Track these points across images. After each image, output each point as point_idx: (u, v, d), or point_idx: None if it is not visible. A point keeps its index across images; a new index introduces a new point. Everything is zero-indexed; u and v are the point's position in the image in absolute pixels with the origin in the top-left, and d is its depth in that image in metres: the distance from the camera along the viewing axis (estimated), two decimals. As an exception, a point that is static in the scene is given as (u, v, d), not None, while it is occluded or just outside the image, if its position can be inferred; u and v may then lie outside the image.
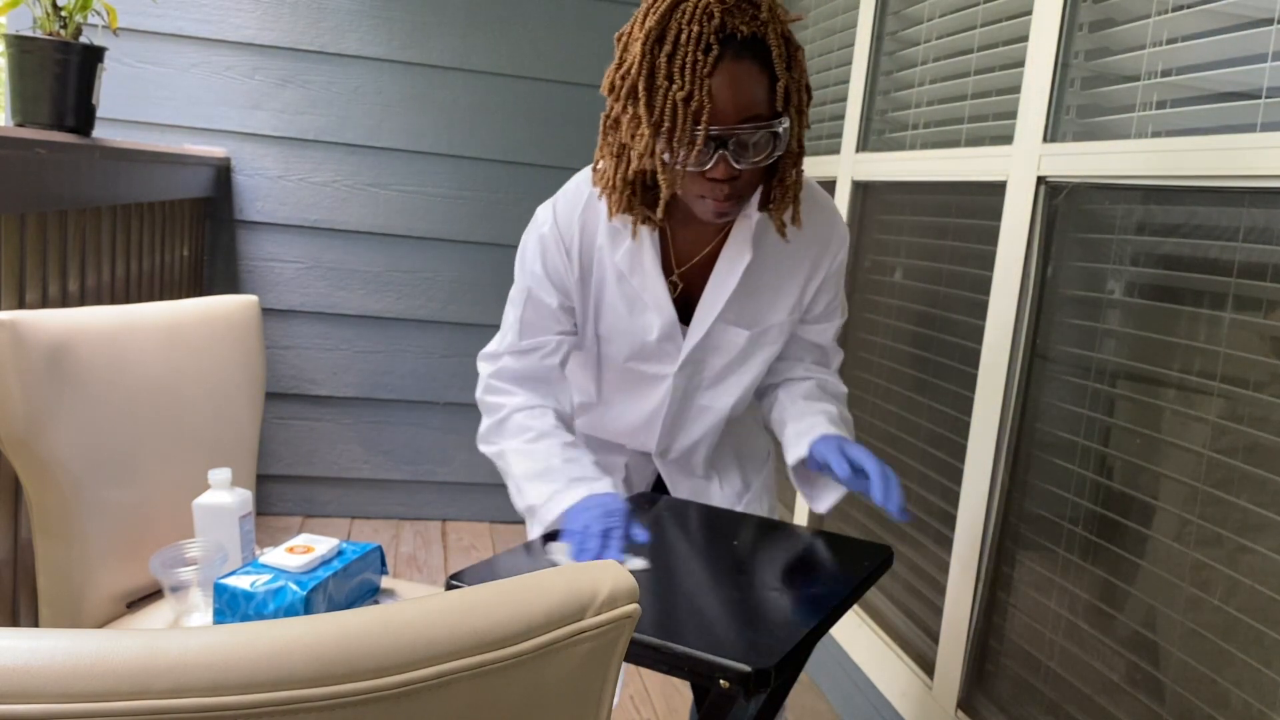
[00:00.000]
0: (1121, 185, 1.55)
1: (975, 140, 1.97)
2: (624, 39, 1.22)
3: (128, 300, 2.19)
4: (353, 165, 3.08)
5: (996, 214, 1.81)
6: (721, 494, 1.56)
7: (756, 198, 1.31)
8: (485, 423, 1.40)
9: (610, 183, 1.27)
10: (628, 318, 1.38)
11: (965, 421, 1.87)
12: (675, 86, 1.13)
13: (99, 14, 1.87)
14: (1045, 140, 1.68)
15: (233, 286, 3.05)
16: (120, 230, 2.13)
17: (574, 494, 1.24)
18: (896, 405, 2.22)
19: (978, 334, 1.86)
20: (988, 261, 1.83)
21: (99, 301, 1.97)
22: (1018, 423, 1.76)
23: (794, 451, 1.35)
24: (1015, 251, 1.74)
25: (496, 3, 3.08)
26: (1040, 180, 1.69)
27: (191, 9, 2.91)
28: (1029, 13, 1.75)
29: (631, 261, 1.34)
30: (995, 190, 1.82)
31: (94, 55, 1.84)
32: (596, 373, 1.48)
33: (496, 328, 1.45)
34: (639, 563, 1.14)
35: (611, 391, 1.48)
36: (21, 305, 1.59)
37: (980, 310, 1.85)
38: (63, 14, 1.79)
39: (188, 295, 2.76)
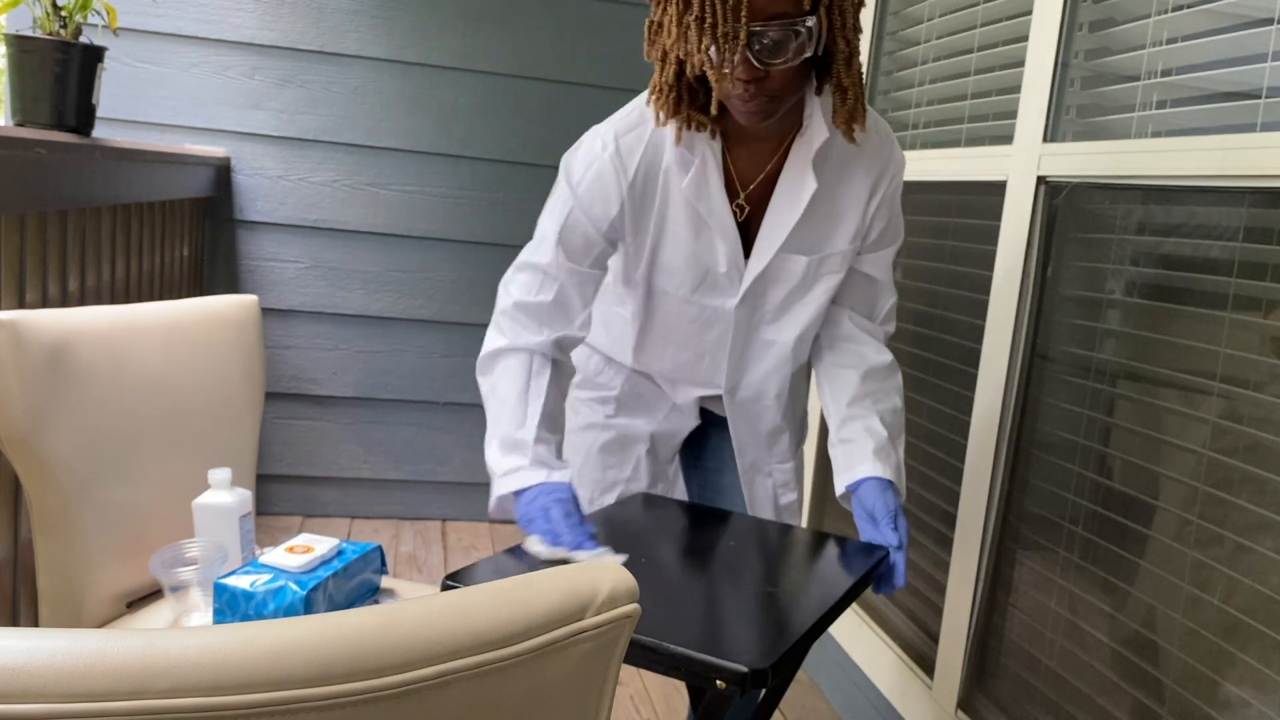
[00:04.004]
0: (1121, 185, 1.55)
1: (975, 140, 1.97)
2: None
3: (128, 300, 2.19)
4: (353, 165, 3.08)
5: (996, 214, 1.81)
6: (774, 452, 1.55)
7: (817, 117, 1.30)
8: (485, 348, 1.40)
9: (657, 87, 1.28)
10: (693, 244, 1.36)
11: (965, 421, 1.87)
12: None
13: (99, 14, 1.87)
14: (1045, 140, 1.68)
15: (233, 286, 3.05)
16: (120, 230, 2.13)
17: (534, 476, 1.26)
18: (896, 405, 2.23)
19: (978, 334, 1.86)
20: (988, 261, 1.83)
21: (99, 301, 1.97)
22: (1018, 423, 1.76)
23: (840, 480, 1.41)
24: (1015, 251, 1.74)
25: (496, 3, 3.08)
26: (1040, 180, 1.69)
27: (191, 9, 2.91)
28: (1029, 13, 1.75)
29: (698, 186, 1.33)
30: (995, 190, 1.82)
31: (94, 55, 1.84)
32: (646, 313, 1.45)
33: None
34: (614, 556, 1.13)
35: (669, 330, 1.46)
36: (21, 305, 1.59)
37: (980, 310, 1.85)
38: (63, 14, 1.79)
39: (188, 295, 2.76)
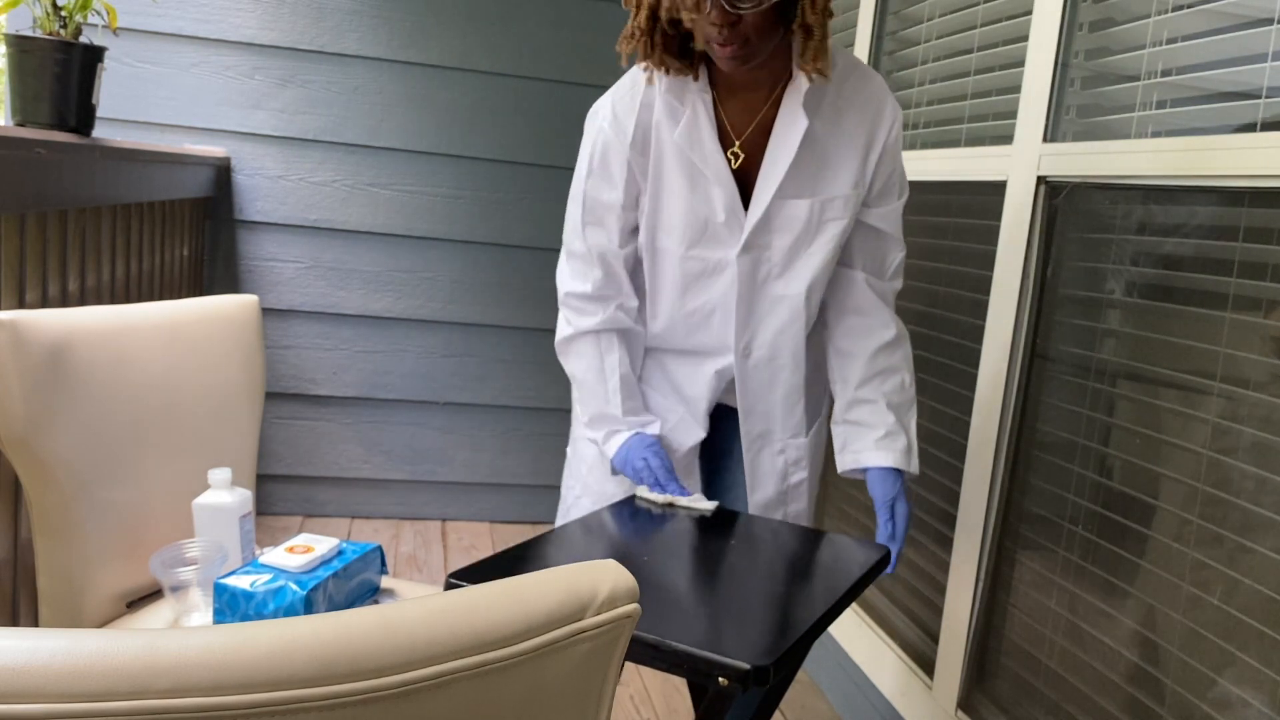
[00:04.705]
0: (1121, 185, 1.55)
1: (975, 140, 1.97)
2: None
3: (128, 300, 2.19)
4: (353, 165, 3.08)
5: (996, 214, 1.81)
6: (789, 423, 1.53)
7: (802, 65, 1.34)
8: (558, 334, 1.54)
9: (629, 32, 1.33)
10: (690, 196, 1.40)
11: (965, 421, 1.87)
12: None
13: (99, 14, 1.87)
14: (1045, 140, 1.68)
15: (233, 286, 3.05)
16: (120, 230, 2.13)
17: (623, 436, 1.46)
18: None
19: (978, 334, 1.86)
20: (988, 261, 1.83)
21: (99, 301, 1.97)
22: (1018, 422, 1.76)
23: (842, 460, 1.47)
24: (1015, 251, 1.74)
25: (496, 3, 3.08)
26: (1040, 180, 1.69)
27: (191, 9, 2.91)
28: (1029, 13, 1.75)
29: (689, 135, 1.37)
30: (995, 190, 1.82)
31: (94, 55, 1.83)
32: (653, 277, 1.49)
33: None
34: (707, 503, 1.36)
35: (676, 289, 1.47)
36: (21, 305, 1.59)
37: (980, 310, 1.85)
38: (63, 14, 1.78)
39: (188, 295, 2.76)
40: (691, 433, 1.54)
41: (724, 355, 1.50)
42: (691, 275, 1.45)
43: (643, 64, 1.36)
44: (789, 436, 1.53)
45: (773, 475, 1.54)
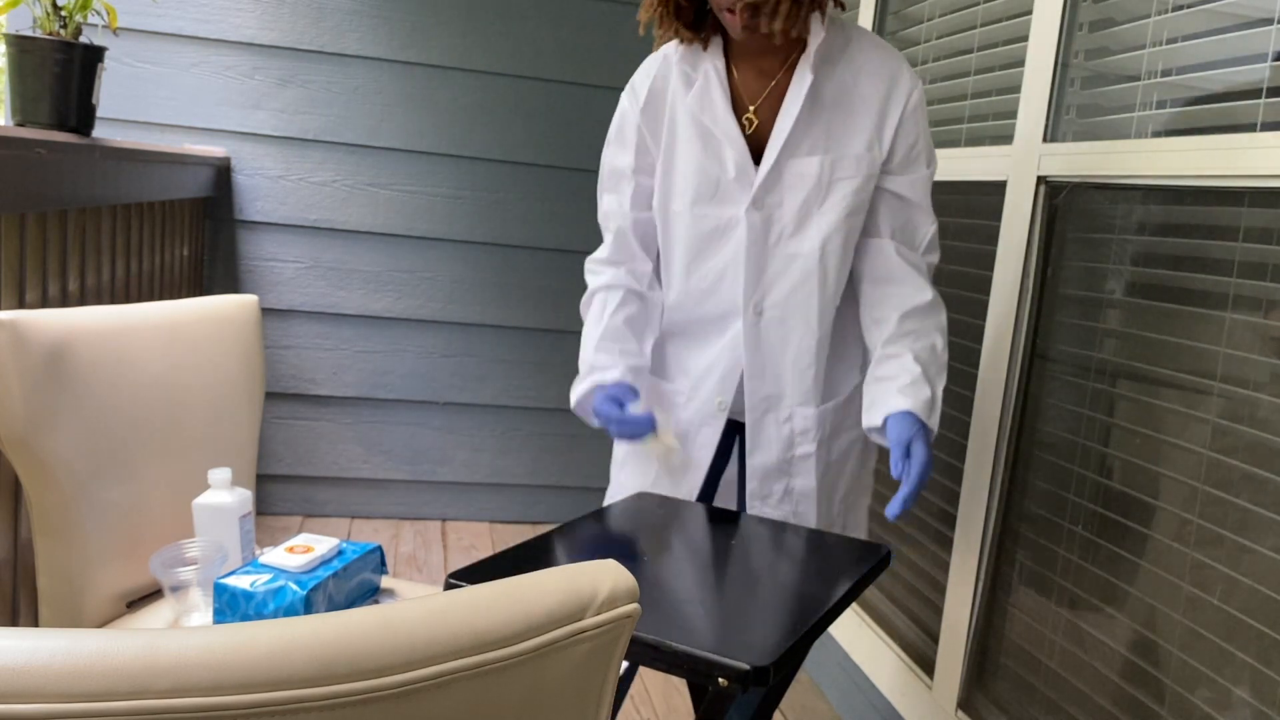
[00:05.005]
0: (1121, 185, 1.55)
1: (975, 140, 1.97)
2: None
3: (128, 300, 2.19)
4: (353, 165, 3.08)
5: (996, 214, 1.81)
6: (800, 390, 1.49)
7: (816, 24, 1.39)
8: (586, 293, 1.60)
9: (650, 1, 1.43)
10: (702, 157, 1.45)
11: (965, 421, 1.87)
12: None
13: (99, 14, 1.87)
14: (1045, 140, 1.68)
15: (233, 286, 3.05)
16: (120, 230, 2.13)
17: (580, 388, 1.48)
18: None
19: (978, 334, 1.86)
20: (988, 261, 1.83)
21: (99, 301, 1.97)
22: (1018, 423, 1.76)
23: (868, 416, 1.44)
24: (1015, 251, 1.74)
25: (496, 3, 3.08)
26: (1040, 180, 1.69)
27: (191, 9, 2.91)
28: (1029, 13, 1.75)
29: (702, 100, 1.44)
30: (995, 190, 1.82)
31: (94, 55, 1.83)
32: (666, 240, 1.52)
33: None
34: (673, 441, 1.37)
35: (688, 258, 1.49)
36: (21, 305, 1.59)
37: (980, 310, 1.85)
38: (63, 14, 1.78)
39: (188, 295, 2.76)
40: (711, 424, 1.52)
41: (735, 320, 1.48)
42: (703, 234, 1.47)
43: (658, 32, 1.45)
44: (797, 404, 1.49)
45: (776, 442, 1.50)
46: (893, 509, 1.28)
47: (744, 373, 1.49)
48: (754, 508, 1.52)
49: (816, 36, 1.39)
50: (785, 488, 1.52)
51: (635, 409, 1.41)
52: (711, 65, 1.43)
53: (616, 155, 1.53)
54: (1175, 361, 1.43)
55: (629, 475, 1.60)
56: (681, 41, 1.45)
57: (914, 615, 2.11)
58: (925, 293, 1.47)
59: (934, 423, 1.39)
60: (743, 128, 1.44)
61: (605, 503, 1.60)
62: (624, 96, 1.53)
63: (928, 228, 1.50)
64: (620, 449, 1.62)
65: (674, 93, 1.46)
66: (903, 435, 1.34)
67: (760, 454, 1.51)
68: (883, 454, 2.08)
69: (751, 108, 1.44)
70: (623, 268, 1.54)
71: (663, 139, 1.48)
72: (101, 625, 1.43)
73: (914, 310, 1.45)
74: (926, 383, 1.40)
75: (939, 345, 1.46)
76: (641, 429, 1.40)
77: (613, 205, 1.55)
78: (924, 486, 1.36)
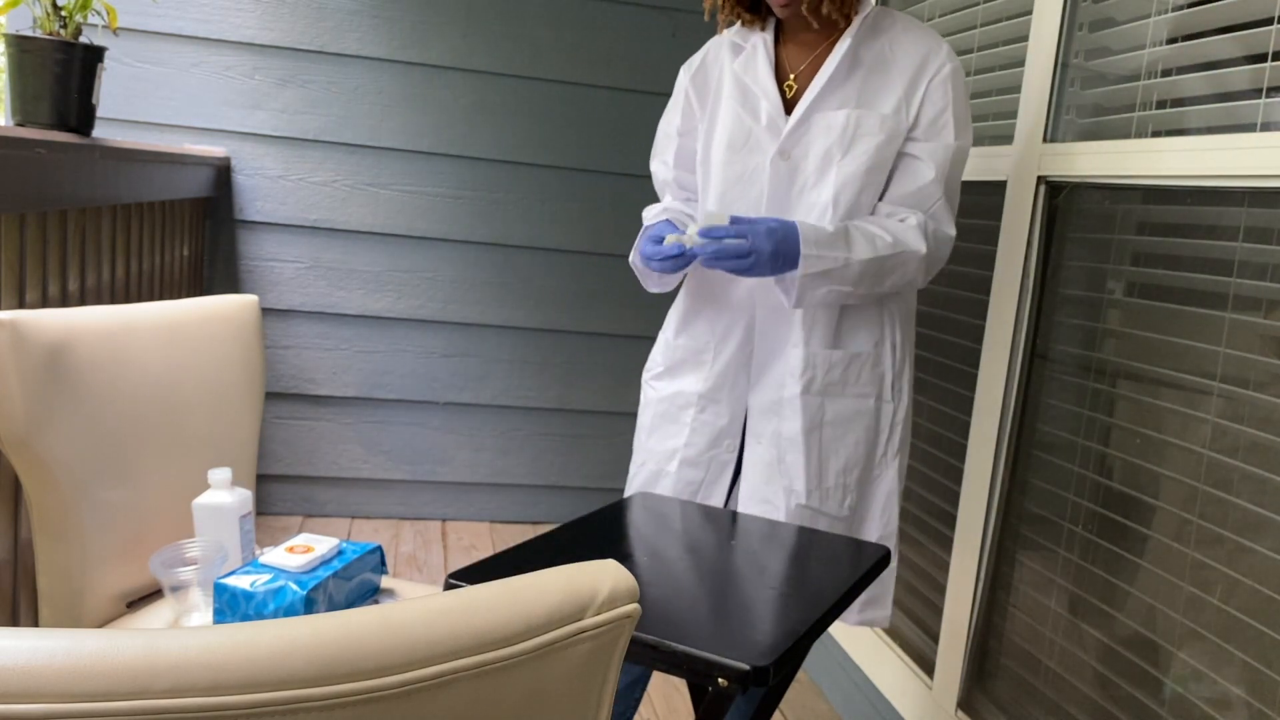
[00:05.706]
0: (1121, 185, 1.55)
1: (975, 140, 1.96)
2: None
3: (128, 300, 2.19)
4: (353, 165, 3.08)
5: (996, 214, 1.81)
6: (805, 344, 1.52)
7: (866, 2, 1.51)
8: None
9: None
10: (739, 111, 1.56)
11: (965, 421, 1.87)
12: None
13: (99, 14, 1.87)
14: (1045, 140, 1.68)
15: (233, 286, 3.05)
16: (120, 230, 2.13)
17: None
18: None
19: (978, 334, 1.86)
20: (988, 261, 1.83)
21: (99, 301, 1.97)
22: (1018, 423, 1.76)
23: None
24: (1015, 251, 1.74)
25: (497, 3, 3.08)
26: (1040, 180, 1.69)
27: (191, 9, 2.91)
28: (1029, 13, 1.75)
29: (747, 64, 1.58)
30: (995, 190, 1.82)
31: (94, 55, 1.83)
32: (703, 189, 1.62)
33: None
34: (697, 238, 1.39)
35: (717, 195, 1.58)
36: (21, 305, 1.59)
37: (980, 310, 1.85)
38: (63, 14, 1.78)
39: (188, 295, 2.76)
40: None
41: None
42: (730, 181, 1.55)
43: (721, 16, 1.58)
44: (793, 344, 1.52)
45: (772, 381, 1.56)
46: (696, 245, 1.39)
47: (756, 316, 1.56)
48: (750, 448, 1.57)
49: (860, 14, 1.50)
50: (774, 430, 1.55)
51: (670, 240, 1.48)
52: (760, 38, 1.57)
53: (666, 121, 1.69)
54: (1175, 361, 1.43)
55: (658, 441, 1.64)
56: (743, 24, 1.58)
57: (914, 615, 2.11)
58: (911, 227, 1.47)
59: (808, 263, 1.39)
60: (783, 93, 1.55)
61: (630, 475, 1.69)
62: (681, 69, 1.67)
63: (937, 198, 1.50)
64: (645, 416, 1.68)
65: (723, 61, 1.61)
66: (766, 219, 1.42)
67: (758, 393, 1.57)
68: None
69: (793, 75, 1.56)
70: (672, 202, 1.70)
71: (709, 103, 1.61)
72: (101, 625, 1.43)
73: (891, 215, 1.50)
74: (841, 235, 1.42)
75: (886, 241, 1.44)
76: (671, 249, 1.44)
77: (660, 170, 1.71)
78: (739, 258, 1.38)
